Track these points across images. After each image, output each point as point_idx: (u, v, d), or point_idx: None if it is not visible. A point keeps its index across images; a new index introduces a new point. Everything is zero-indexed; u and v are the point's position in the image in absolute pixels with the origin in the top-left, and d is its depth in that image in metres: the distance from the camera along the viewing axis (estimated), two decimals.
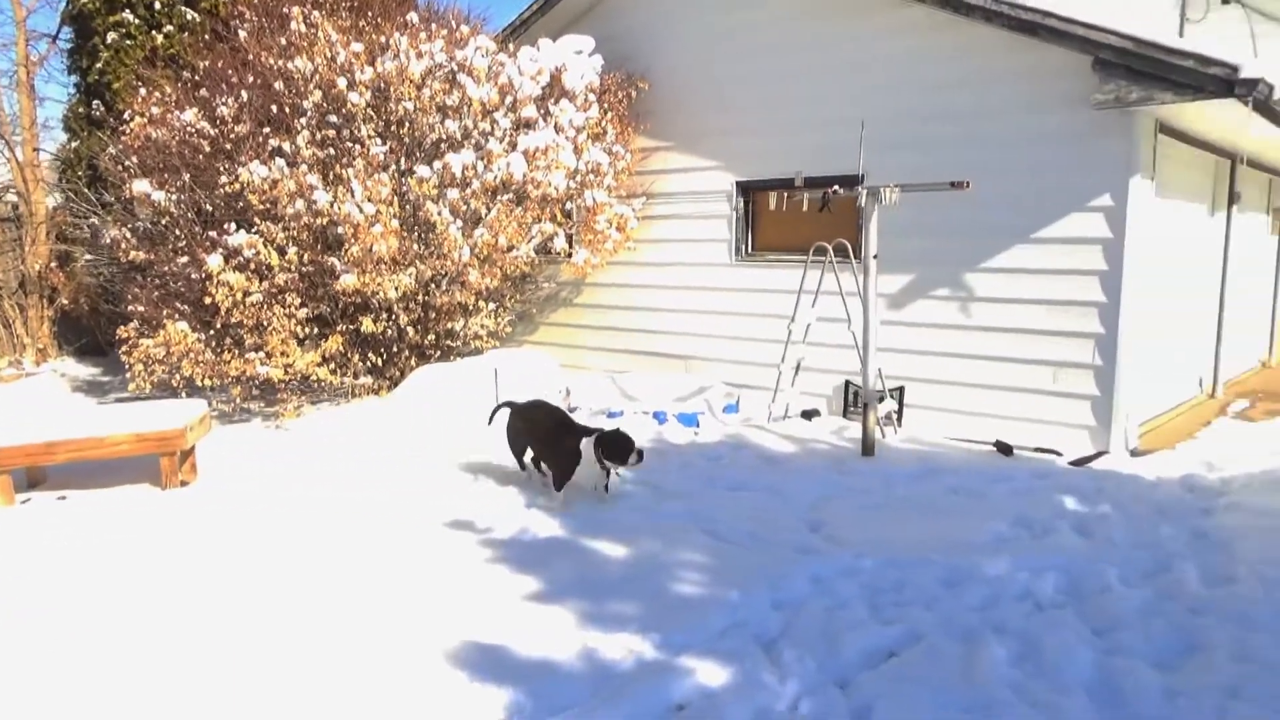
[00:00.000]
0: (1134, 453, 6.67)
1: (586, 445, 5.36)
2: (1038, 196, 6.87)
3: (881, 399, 7.11)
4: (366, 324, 8.00)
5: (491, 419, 6.30)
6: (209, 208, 8.30)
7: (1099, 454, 6.53)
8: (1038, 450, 6.69)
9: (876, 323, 6.74)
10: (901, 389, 7.51)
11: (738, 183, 8.67)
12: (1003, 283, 7.11)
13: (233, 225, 7.80)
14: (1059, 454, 6.61)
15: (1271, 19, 11.20)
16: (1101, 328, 6.66)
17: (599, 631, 3.74)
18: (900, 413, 7.47)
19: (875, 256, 6.52)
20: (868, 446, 6.57)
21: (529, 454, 6.01)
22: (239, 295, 7.48)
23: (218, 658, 3.57)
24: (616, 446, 5.33)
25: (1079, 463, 6.40)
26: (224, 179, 7.75)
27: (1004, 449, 6.70)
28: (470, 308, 8.85)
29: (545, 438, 5.74)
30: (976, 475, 5.96)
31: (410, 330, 8.47)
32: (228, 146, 8.03)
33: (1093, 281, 6.68)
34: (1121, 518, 5.22)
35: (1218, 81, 5.86)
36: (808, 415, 7.72)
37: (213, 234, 7.84)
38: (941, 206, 6.87)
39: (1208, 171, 8.59)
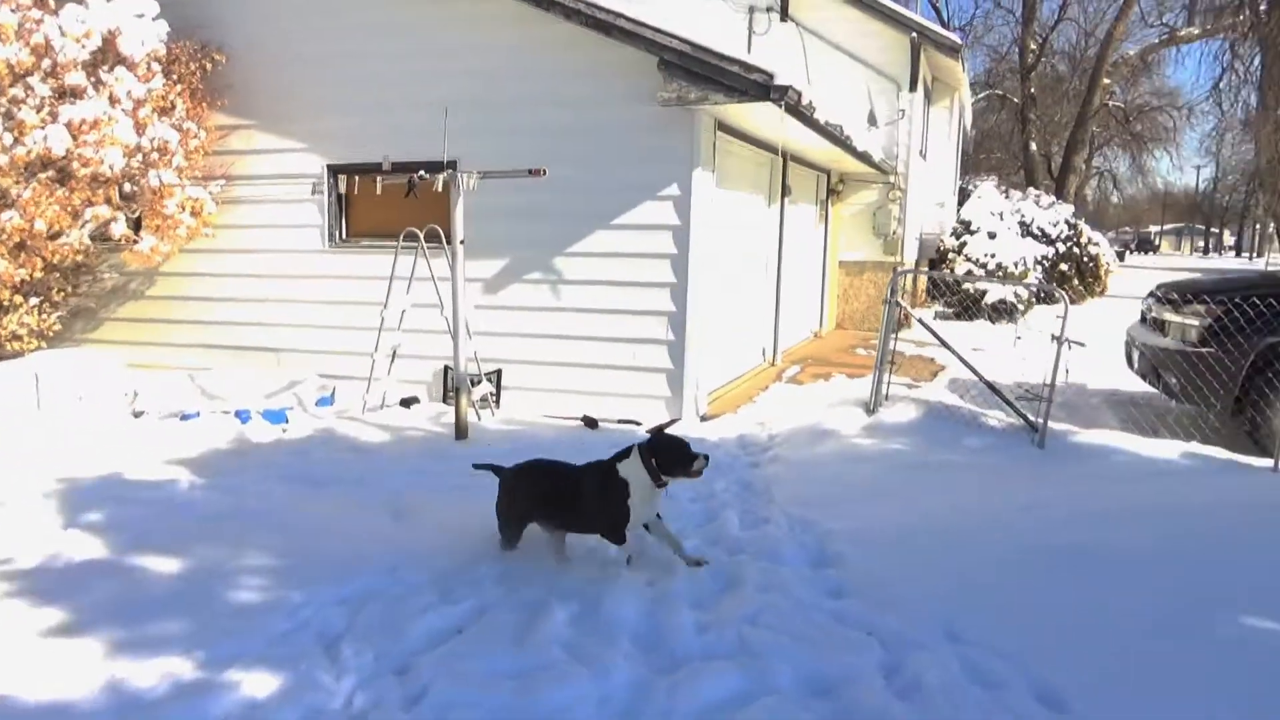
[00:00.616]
0: (703, 418, 7.39)
1: (630, 467, 4.10)
2: (619, 185, 7.33)
3: (477, 382, 7.19)
4: None
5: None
6: None
7: (672, 421, 7.11)
8: (621, 422, 7.17)
9: (468, 307, 6.79)
10: (499, 371, 7.65)
11: (329, 166, 8.28)
12: (589, 266, 7.50)
13: None
14: (639, 424, 7.13)
15: (818, 36, 13.09)
16: (673, 306, 7.27)
17: (131, 659, 3.34)
18: (498, 394, 7.61)
19: (462, 241, 6.56)
20: (461, 430, 6.61)
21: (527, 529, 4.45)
22: None
23: None
24: (674, 452, 4.08)
25: (654, 431, 6.92)
26: None
27: (590, 423, 7.09)
28: (5, 304, 7.55)
29: (563, 495, 4.29)
30: (561, 450, 6.19)
31: None
32: None
33: (664, 264, 7.27)
34: None
35: (757, 86, 6.63)
36: (406, 403, 7.60)
37: None
38: (533, 193, 7.05)
39: (764, 167, 9.73)
